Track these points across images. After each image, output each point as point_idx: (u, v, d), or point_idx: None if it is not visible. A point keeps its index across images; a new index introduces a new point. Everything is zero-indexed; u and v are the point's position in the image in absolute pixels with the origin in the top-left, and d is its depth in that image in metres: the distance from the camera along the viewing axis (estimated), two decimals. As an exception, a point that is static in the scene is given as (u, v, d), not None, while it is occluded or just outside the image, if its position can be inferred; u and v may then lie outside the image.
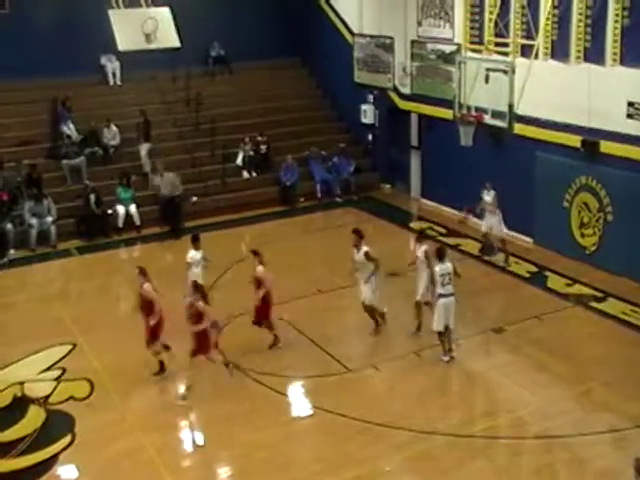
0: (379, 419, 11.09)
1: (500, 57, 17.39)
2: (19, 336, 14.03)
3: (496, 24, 17.86)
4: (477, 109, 16.54)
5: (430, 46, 20.51)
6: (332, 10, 24.34)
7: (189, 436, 11.32)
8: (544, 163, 17.31)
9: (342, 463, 10.25)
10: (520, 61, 16.41)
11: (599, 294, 15.17)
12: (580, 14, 16.07)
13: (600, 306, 14.74)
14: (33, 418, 11.48)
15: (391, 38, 21.87)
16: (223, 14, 23.50)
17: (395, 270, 15.21)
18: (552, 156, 17.07)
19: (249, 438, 10.78)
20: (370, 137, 23.24)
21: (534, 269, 16.67)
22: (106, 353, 13.04)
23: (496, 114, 16.09)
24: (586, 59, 16.14)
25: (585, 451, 10.47)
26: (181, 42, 17.58)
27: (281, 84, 24.77)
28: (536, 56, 16.61)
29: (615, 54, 15.46)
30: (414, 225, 20.10)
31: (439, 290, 12.49)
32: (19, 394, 12.19)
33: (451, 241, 18.16)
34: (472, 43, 18.87)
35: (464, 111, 16.74)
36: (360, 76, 23.47)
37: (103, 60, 22.76)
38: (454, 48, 19.53)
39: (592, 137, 16.06)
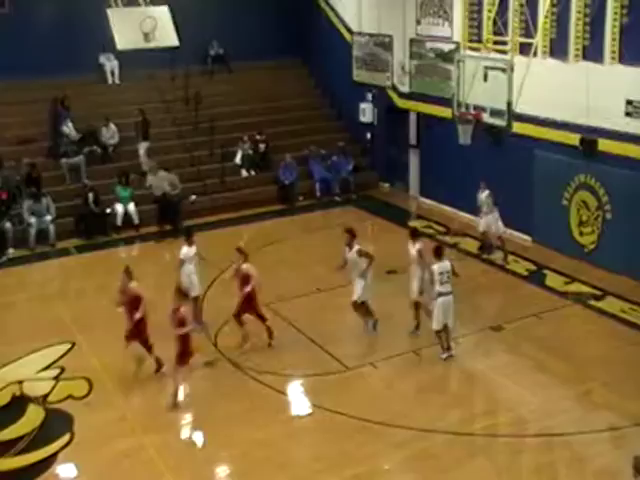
0: (378, 417, 11.09)
1: (499, 55, 17.36)
2: (18, 335, 14.02)
3: (495, 22, 17.85)
4: (476, 107, 16.50)
5: (429, 44, 20.52)
6: (331, 9, 24.34)
7: (189, 435, 11.32)
8: (543, 161, 17.31)
9: (341, 461, 10.26)
10: (519, 59, 16.38)
11: (598, 292, 15.18)
12: (579, 12, 16.08)
13: (599, 304, 14.75)
14: (32, 417, 11.48)
15: (390, 37, 21.88)
16: (222, 13, 23.50)
17: (393, 268, 15.23)
18: (551, 154, 17.08)
19: (249, 437, 10.79)
20: (369, 136, 23.25)
21: (533, 267, 16.67)
22: (105, 352, 13.02)
23: (495, 112, 16.06)
24: (585, 57, 16.16)
25: (585, 449, 10.48)
26: (180, 41, 17.55)
27: (280, 83, 24.75)
28: (535, 54, 16.59)
29: (614, 52, 15.47)
30: (413, 224, 20.06)
31: (438, 289, 12.49)
32: (18, 393, 12.18)
33: (450, 240, 18.18)
34: (471, 41, 18.87)
35: (463, 109, 16.71)
36: (359, 75, 23.47)
37: (102, 59, 22.76)
38: (453, 46, 19.53)
39: (591, 135, 16.07)
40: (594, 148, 16.05)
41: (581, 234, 16.75)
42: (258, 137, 22.18)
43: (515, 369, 12.60)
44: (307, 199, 21.76)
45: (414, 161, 22.02)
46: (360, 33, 23.11)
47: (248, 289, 13.06)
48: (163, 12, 17.40)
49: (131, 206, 19.67)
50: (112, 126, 21.21)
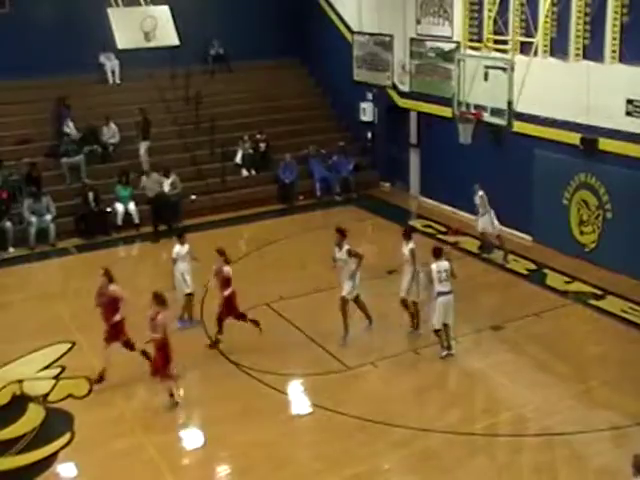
0: (378, 417, 11.09)
1: (499, 55, 17.37)
2: (18, 334, 14.02)
3: (495, 22, 17.85)
4: (476, 107, 16.50)
5: (429, 44, 20.52)
6: (331, 8, 24.34)
7: (189, 434, 11.32)
8: (543, 160, 17.31)
9: (342, 461, 10.26)
10: (519, 58, 16.38)
11: (598, 292, 15.18)
12: (579, 11, 16.08)
13: (599, 304, 14.74)
14: (32, 416, 11.48)
15: (390, 36, 21.87)
16: (222, 12, 23.49)
17: (394, 268, 15.22)
18: (551, 153, 17.07)
19: (249, 436, 10.78)
20: (369, 135, 23.25)
21: (533, 267, 16.67)
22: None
23: (495, 112, 16.06)
24: (585, 56, 16.15)
25: (585, 448, 10.48)
26: (180, 40, 17.54)
27: (280, 82, 24.77)
28: (535, 53, 16.59)
29: (614, 51, 15.46)
30: (413, 223, 20.08)
31: (438, 288, 12.49)
32: (18, 392, 12.18)
33: (450, 239, 18.18)
34: (471, 41, 18.87)
35: (463, 109, 16.71)
36: (359, 74, 23.47)
37: (102, 58, 22.76)
38: (453, 46, 19.53)
39: (591, 134, 16.06)
40: (594, 147, 16.05)
41: (581, 233, 16.75)
42: (258, 136, 22.18)
43: (515, 368, 12.60)
44: (307, 198, 21.76)
45: (414, 160, 22.03)
46: (360, 33, 23.10)
47: (228, 292, 13.01)
48: (163, 11, 17.39)
49: (131, 205, 19.67)
50: (112, 125, 21.22)
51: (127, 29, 16.89)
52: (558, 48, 16.68)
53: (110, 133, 21.21)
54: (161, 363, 11.36)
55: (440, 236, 18.64)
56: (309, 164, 22.26)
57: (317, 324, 13.91)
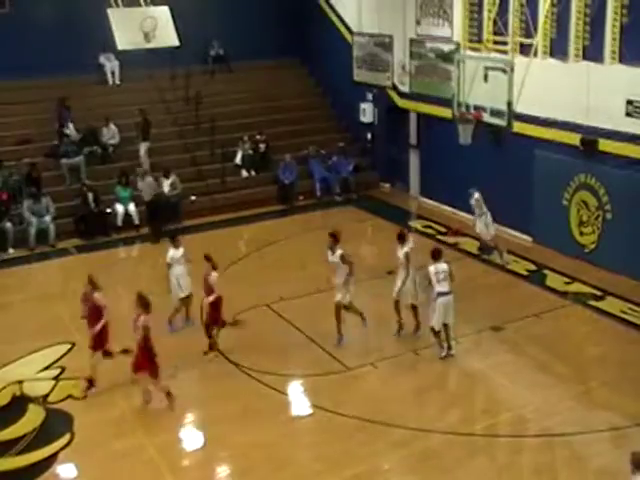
0: (378, 417, 11.10)
1: (499, 55, 17.38)
2: (18, 335, 14.02)
3: (495, 22, 17.85)
4: (476, 107, 16.51)
5: (429, 45, 20.53)
6: (331, 9, 24.35)
7: (189, 435, 11.32)
8: (543, 161, 17.31)
9: (342, 461, 10.26)
10: (519, 59, 16.39)
11: (598, 292, 15.18)
12: (579, 12, 16.08)
13: (599, 304, 14.74)
14: (32, 417, 11.48)
15: (390, 37, 21.88)
16: (222, 13, 23.50)
17: (393, 268, 15.19)
18: (551, 154, 17.08)
19: (249, 437, 10.78)
20: (369, 136, 23.25)
21: (533, 267, 16.66)
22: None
23: (495, 112, 16.08)
24: (585, 57, 16.14)
25: (585, 449, 10.48)
26: (180, 41, 17.56)
27: (280, 83, 24.78)
28: (535, 54, 16.60)
29: (614, 52, 15.46)
30: (412, 224, 20.12)
31: (437, 288, 12.50)
32: (18, 393, 12.19)
33: (450, 239, 18.20)
34: (471, 41, 18.86)
35: (463, 109, 16.72)
36: (359, 75, 23.47)
37: (102, 59, 22.77)
38: (453, 47, 19.53)
39: (591, 135, 16.07)
40: (594, 148, 16.05)
41: (581, 234, 16.75)
42: (258, 137, 22.19)
43: (515, 369, 12.61)
44: (307, 199, 21.77)
45: (414, 161, 22.03)
46: (360, 33, 23.11)
47: (211, 299, 12.93)
48: (163, 12, 17.41)
49: (131, 206, 19.67)
50: (112, 126, 21.22)
51: (127, 30, 16.90)
52: (558, 49, 16.68)
53: (110, 134, 21.21)
54: (143, 362, 11.22)
55: (440, 237, 18.65)
56: (309, 165, 22.27)
57: (317, 325, 13.91)
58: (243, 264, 17.24)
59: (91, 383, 12.04)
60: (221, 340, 13.43)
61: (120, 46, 17.06)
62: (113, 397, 11.90)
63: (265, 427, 11.06)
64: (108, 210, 19.55)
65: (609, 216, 16.06)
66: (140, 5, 17.55)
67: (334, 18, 24.22)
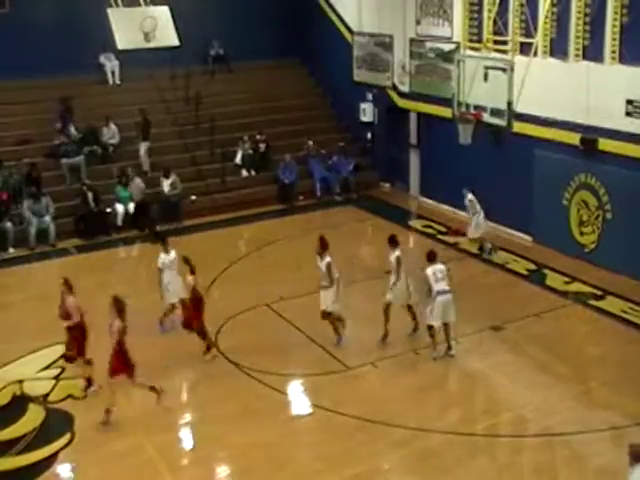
0: (378, 417, 11.10)
1: (499, 55, 17.39)
2: (18, 334, 14.02)
3: (495, 22, 17.86)
4: (476, 107, 16.53)
5: (429, 44, 20.53)
6: (331, 9, 24.35)
7: (189, 435, 11.32)
8: (543, 161, 17.31)
9: (342, 461, 10.26)
10: (519, 59, 16.41)
11: (598, 292, 15.18)
12: (579, 12, 16.08)
13: (599, 304, 14.74)
14: (32, 416, 11.49)
15: (390, 36, 21.88)
16: (222, 13, 23.49)
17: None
18: (551, 154, 17.08)
19: (249, 437, 10.78)
20: (369, 135, 23.25)
21: (533, 267, 16.67)
22: (105, 352, 12.99)
23: (495, 112, 16.10)
24: (585, 57, 16.15)
25: (585, 449, 10.49)
26: (180, 41, 17.57)
27: (280, 83, 24.77)
28: (535, 54, 16.60)
29: (614, 52, 15.46)
30: (413, 223, 20.13)
31: (436, 287, 12.50)
32: (18, 392, 12.20)
33: (450, 239, 18.20)
34: (471, 41, 18.87)
35: (463, 109, 16.74)
36: (359, 75, 23.47)
37: (102, 59, 22.76)
38: (453, 46, 19.53)
39: (591, 135, 16.07)
40: (594, 148, 16.05)
41: (581, 234, 16.75)
42: (258, 137, 22.19)
43: (515, 369, 12.61)
44: (307, 199, 21.77)
45: (414, 161, 22.03)
46: (360, 33, 23.11)
47: (190, 301, 12.86)
48: (163, 12, 17.42)
49: (131, 206, 19.66)
50: (112, 126, 21.22)
51: (127, 29, 16.90)
52: (558, 49, 16.68)
53: (110, 134, 21.21)
54: (118, 365, 11.07)
55: (440, 236, 18.66)
56: (309, 164, 22.27)
57: (317, 324, 13.86)
58: (243, 264, 17.24)
59: (89, 382, 12.03)
60: (221, 340, 13.44)
61: (120, 46, 17.07)
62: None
63: (265, 427, 11.05)
64: (108, 210, 19.55)
65: (609, 216, 16.06)
66: (140, 5, 17.55)
67: (334, 18, 24.22)
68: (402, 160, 22.34)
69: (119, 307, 11.07)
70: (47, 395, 12.05)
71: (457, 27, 19.38)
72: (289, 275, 16.32)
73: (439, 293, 12.50)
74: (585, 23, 16.04)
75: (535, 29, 16.75)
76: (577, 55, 16.28)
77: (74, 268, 17.70)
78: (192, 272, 12.90)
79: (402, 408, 11.47)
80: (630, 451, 7.99)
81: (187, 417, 11.66)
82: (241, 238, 19.45)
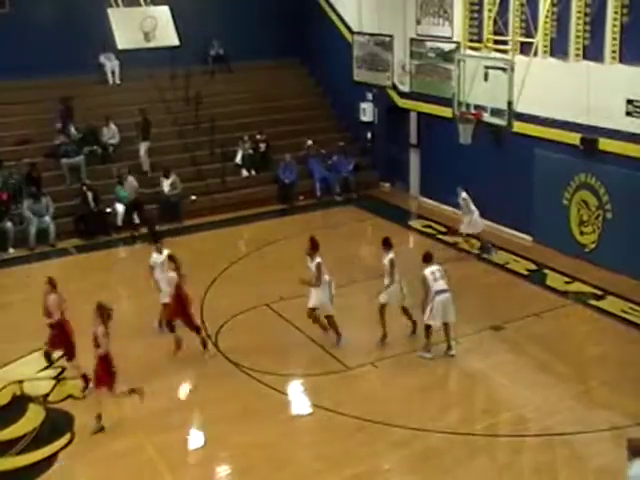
0: (378, 417, 11.09)
1: (499, 55, 17.37)
2: (18, 334, 14.00)
3: (495, 22, 17.85)
4: (476, 107, 16.52)
5: (429, 44, 20.52)
6: (331, 8, 24.35)
7: (189, 435, 11.31)
8: (543, 161, 17.31)
9: (342, 461, 10.25)
10: (519, 59, 16.39)
11: (598, 292, 15.18)
12: (579, 12, 16.08)
13: (599, 304, 14.74)
14: (32, 416, 11.48)
15: (390, 36, 21.87)
16: (222, 13, 23.49)
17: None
18: (551, 154, 17.08)
19: (249, 437, 10.78)
20: (369, 135, 23.25)
21: (533, 267, 16.67)
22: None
23: (495, 112, 16.09)
24: (585, 57, 16.15)
25: (585, 448, 10.49)
26: (180, 41, 17.54)
27: (280, 83, 24.77)
28: (535, 54, 16.59)
29: (614, 52, 15.46)
30: (413, 223, 20.14)
31: (435, 287, 12.50)
32: (18, 392, 12.19)
33: (450, 239, 18.19)
34: (471, 41, 18.87)
35: (463, 109, 16.73)
36: (359, 74, 23.47)
37: (102, 59, 22.76)
38: (453, 46, 19.53)
39: (591, 135, 16.06)
40: (594, 147, 16.05)
41: (581, 233, 16.75)
42: (258, 137, 22.19)
43: (515, 368, 12.60)
44: (307, 199, 21.77)
45: (415, 161, 22.03)
46: (360, 33, 23.11)
47: (172, 297, 12.85)
48: (163, 12, 17.40)
49: (123, 206, 19.60)
50: (112, 126, 21.21)
51: (127, 29, 16.88)
52: (558, 48, 16.68)
53: (110, 134, 21.21)
54: (103, 375, 10.99)
55: (440, 236, 18.66)
56: (309, 164, 22.27)
57: (317, 324, 13.90)
58: (243, 264, 17.24)
59: (86, 380, 12.02)
60: (221, 340, 13.44)
61: (120, 46, 17.05)
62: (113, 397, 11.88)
63: (265, 427, 11.05)
64: (108, 210, 19.54)
65: (609, 215, 16.05)
66: (140, 5, 17.54)
67: (334, 17, 24.22)
68: (402, 160, 22.34)
69: (104, 313, 10.95)
70: (47, 395, 12.05)
71: (457, 27, 19.38)
72: (289, 275, 16.22)
73: (438, 292, 12.50)
74: (585, 23, 16.04)
75: (535, 29, 16.74)
76: (577, 55, 16.27)
77: (74, 268, 17.74)
78: (176, 270, 12.89)
79: (402, 408, 11.46)
80: (628, 445, 8.02)
81: (187, 417, 11.65)
82: (241, 238, 19.45)
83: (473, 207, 16.90)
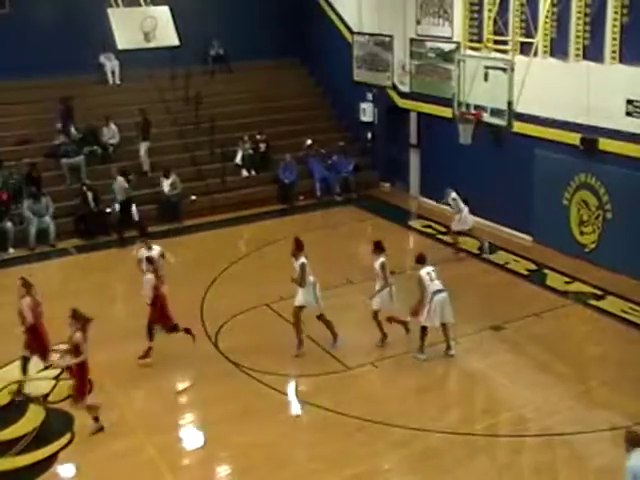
0: (378, 417, 11.09)
1: (499, 55, 17.37)
2: (18, 335, 13.97)
3: (495, 22, 17.84)
4: (476, 107, 16.52)
5: (429, 44, 20.53)
6: (331, 8, 24.35)
7: (189, 435, 11.31)
8: (543, 161, 17.31)
9: (341, 461, 10.25)
10: (519, 59, 16.39)
11: (598, 292, 15.18)
12: (579, 12, 16.08)
13: (599, 304, 14.74)
14: (32, 417, 11.48)
15: (390, 36, 21.88)
16: (222, 12, 23.49)
17: (392, 269, 15.17)
18: (551, 154, 17.08)
19: (249, 437, 10.78)
20: (369, 135, 23.25)
21: (533, 267, 16.67)
22: (105, 352, 12.95)
23: (495, 112, 16.09)
24: (585, 57, 16.15)
25: (585, 448, 10.49)
26: (180, 41, 17.54)
27: (280, 83, 24.78)
28: (535, 54, 16.59)
29: (614, 52, 15.46)
30: (412, 223, 20.13)
31: (431, 288, 12.51)
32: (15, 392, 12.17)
33: (450, 239, 18.18)
34: (471, 41, 18.87)
35: (463, 109, 16.73)
36: (359, 74, 23.47)
37: (102, 59, 22.76)
38: (453, 46, 19.53)
39: (591, 135, 16.06)
40: (595, 147, 16.05)
41: (581, 234, 16.75)
42: (258, 137, 22.19)
43: (515, 368, 12.60)
44: (307, 199, 21.77)
45: (415, 161, 22.04)
46: (360, 33, 23.11)
47: (152, 299, 12.77)
48: (163, 12, 17.40)
49: (132, 206, 19.62)
50: (112, 126, 21.21)
51: (127, 29, 16.88)
52: (558, 48, 16.68)
53: (110, 134, 21.21)
54: (77, 388, 10.87)
55: (440, 236, 18.67)
56: (309, 164, 22.27)
57: (317, 324, 13.88)
58: (243, 264, 17.24)
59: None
60: (221, 340, 13.44)
61: (120, 46, 17.05)
62: (113, 397, 11.88)
63: (265, 427, 11.05)
64: (108, 210, 19.53)
65: (609, 215, 16.05)
66: (140, 5, 17.54)
67: (334, 17, 24.22)
68: (402, 160, 22.34)
69: (81, 319, 10.84)
70: (47, 395, 12.04)
71: (457, 27, 19.38)
72: (289, 275, 16.28)
73: (435, 292, 12.50)
74: (585, 23, 16.04)
75: (535, 29, 16.73)
76: (577, 55, 16.28)
77: (74, 268, 17.75)
78: (154, 271, 12.90)
79: (402, 408, 11.47)
80: (626, 437, 8.01)
81: (187, 417, 11.66)
82: (241, 238, 19.44)
83: (462, 205, 17.03)
